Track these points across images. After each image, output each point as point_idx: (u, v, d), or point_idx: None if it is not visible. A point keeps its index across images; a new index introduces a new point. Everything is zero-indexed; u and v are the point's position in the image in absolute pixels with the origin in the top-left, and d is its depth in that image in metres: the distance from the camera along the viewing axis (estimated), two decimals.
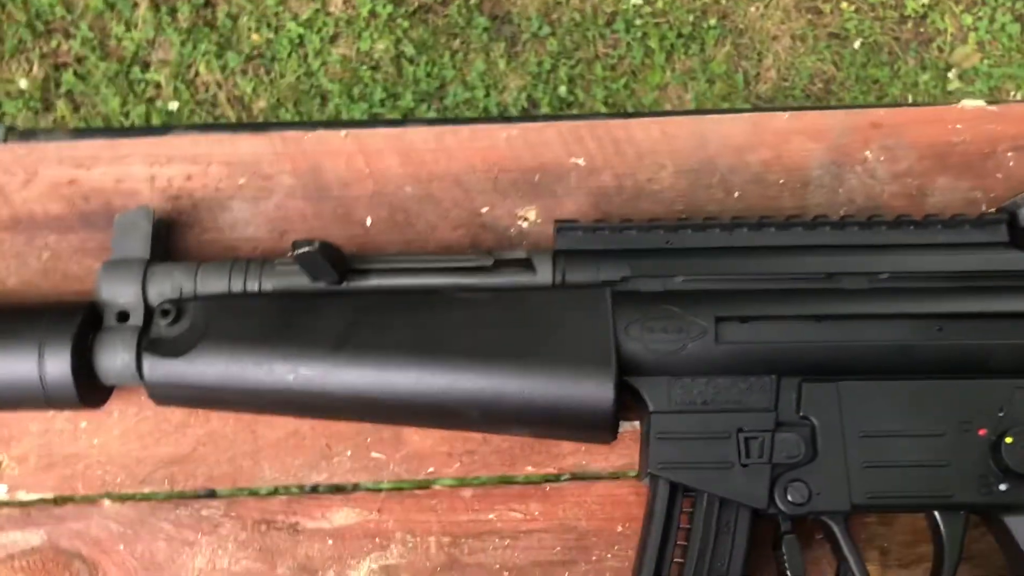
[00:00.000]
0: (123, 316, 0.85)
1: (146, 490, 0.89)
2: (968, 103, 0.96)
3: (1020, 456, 0.77)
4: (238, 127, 0.96)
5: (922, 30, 2.35)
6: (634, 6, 2.29)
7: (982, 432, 0.79)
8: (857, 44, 2.32)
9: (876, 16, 2.33)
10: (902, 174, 0.95)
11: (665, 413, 0.81)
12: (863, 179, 0.95)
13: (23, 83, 2.17)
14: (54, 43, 2.21)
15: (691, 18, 2.31)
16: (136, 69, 2.21)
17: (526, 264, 0.85)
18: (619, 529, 0.88)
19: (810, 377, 0.81)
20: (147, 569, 0.87)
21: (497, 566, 0.88)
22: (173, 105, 2.18)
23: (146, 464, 0.90)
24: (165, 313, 0.83)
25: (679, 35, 2.30)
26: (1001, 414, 0.80)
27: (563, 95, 2.25)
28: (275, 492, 0.90)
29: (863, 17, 2.33)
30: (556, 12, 2.29)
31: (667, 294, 0.83)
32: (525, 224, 0.94)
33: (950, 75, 2.32)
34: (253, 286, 0.85)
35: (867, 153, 0.95)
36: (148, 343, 0.83)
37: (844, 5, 2.33)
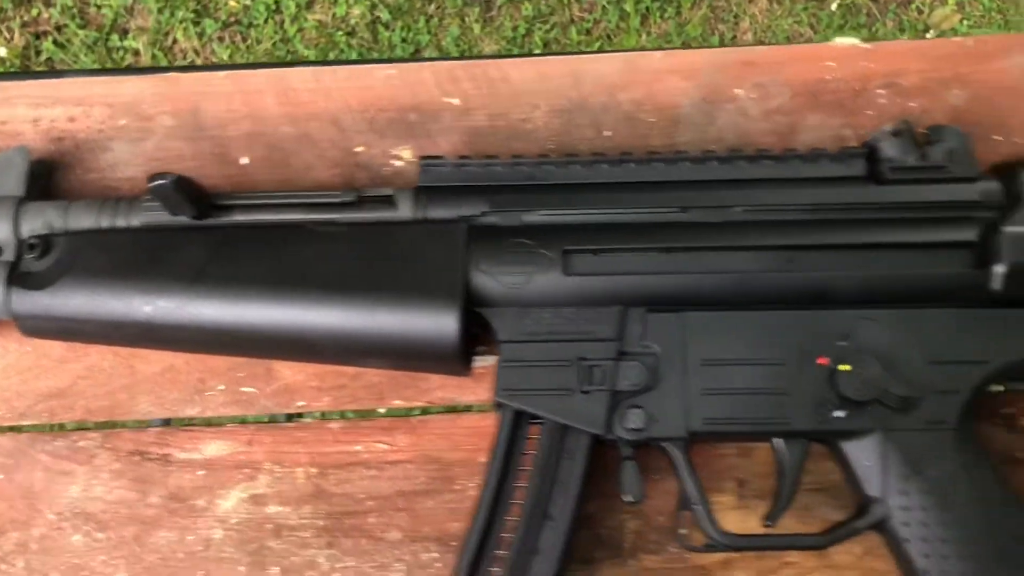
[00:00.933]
0: None
1: (25, 423, 0.92)
2: (841, 40, 0.96)
3: (855, 383, 0.78)
4: (123, 71, 0.98)
5: None
6: None
7: (822, 361, 0.80)
8: (834, 6, 2.30)
9: None
10: (773, 112, 0.95)
11: (513, 343, 0.82)
12: (734, 117, 0.95)
13: (2, 51, 2.20)
14: (34, 11, 2.24)
15: None
16: (115, 36, 2.23)
17: (389, 200, 0.86)
18: (482, 460, 0.89)
19: (656, 307, 0.82)
20: (25, 497, 0.90)
21: (362, 495, 0.89)
22: None
23: (26, 397, 0.92)
24: (32, 247, 0.86)
25: None
26: (843, 343, 0.80)
27: None
28: (149, 424, 0.92)
29: None
30: None
31: (521, 228, 0.84)
32: (399, 163, 0.95)
33: (928, 36, 2.29)
34: (121, 223, 0.87)
35: (738, 91, 0.95)
36: (16, 276, 0.85)
37: None
